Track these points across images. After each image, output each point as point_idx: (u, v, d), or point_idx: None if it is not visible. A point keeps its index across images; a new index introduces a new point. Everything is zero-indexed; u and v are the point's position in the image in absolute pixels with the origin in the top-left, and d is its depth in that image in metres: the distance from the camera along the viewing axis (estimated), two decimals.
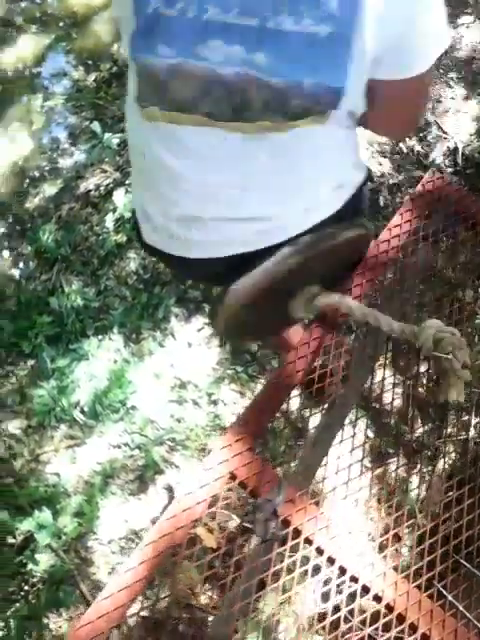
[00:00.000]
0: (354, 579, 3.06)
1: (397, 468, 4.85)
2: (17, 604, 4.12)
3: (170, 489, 4.74)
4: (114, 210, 6.07)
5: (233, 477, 2.80)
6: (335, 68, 1.29)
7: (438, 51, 1.43)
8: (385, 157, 6.74)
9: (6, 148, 6.85)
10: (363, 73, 1.38)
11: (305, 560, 3.31)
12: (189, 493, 2.63)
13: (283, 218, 1.63)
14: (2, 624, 4.00)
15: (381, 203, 6.46)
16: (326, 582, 3.38)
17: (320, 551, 3.06)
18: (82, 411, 5.10)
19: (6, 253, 6.27)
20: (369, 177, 1.95)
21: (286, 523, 2.75)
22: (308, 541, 3.00)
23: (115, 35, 7.83)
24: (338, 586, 3.31)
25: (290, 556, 2.87)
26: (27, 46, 7.75)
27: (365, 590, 3.04)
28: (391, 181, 6.61)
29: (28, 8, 8.22)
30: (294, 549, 2.99)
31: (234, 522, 2.88)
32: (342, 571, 3.09)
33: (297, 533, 2.86)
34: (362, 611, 3.28)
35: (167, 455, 4.91)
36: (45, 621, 4.15)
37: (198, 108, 1.38)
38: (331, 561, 3.10)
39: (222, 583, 2.81)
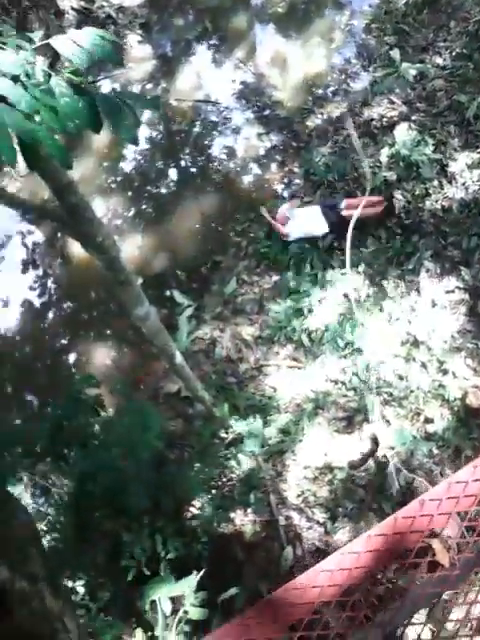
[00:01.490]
0: None
1: None
2: (214, 491, 4.65)
3: (375, 441, 4.85)
4: (392, 145, 6.03)
5: None
6: None
7: None
8: None
9: (301, 63, 7.03)
10: None
11: None
12: (435, 500, 2.62)
13: None
14: (199, 504, 4.55)
15: None
16: None
17: None
18: (309, 337, 5.37)
19: (274, 166, 6.61)
20: None
21: None
22: None
23: None
24: None
25: None
26: None
27: None
28: None
29: None
30: None
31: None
32: None
33: None
34: None
35: (380, 406, 5.00)
36: (232, 515, 4.64)
37: None
38: None
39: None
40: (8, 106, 1.69)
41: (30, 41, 1.89)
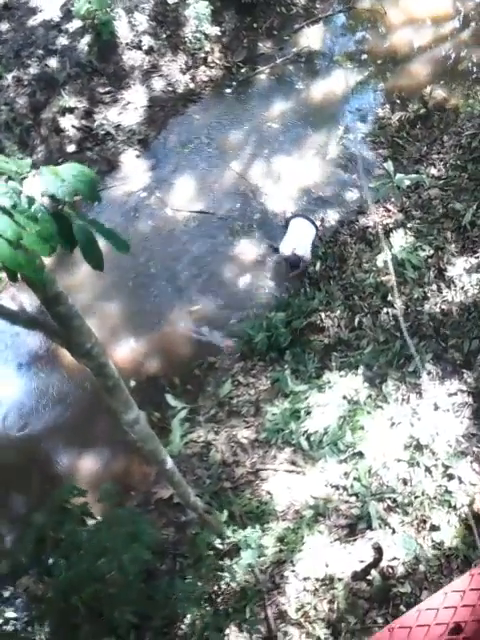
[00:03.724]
0: None
1: None
2: (208, 607, 4.61)
3: (379, 550, 4.87)
4: (389, 250, 6.52)
5: (457, 629, 2.75)
6: None
7: None
8: None
9: (298, 172, 7.68)
10: None
11: None
12: (403, 627, 2.75)
13: None
14: (189, 622, 4.51)
15: None
16: None
17: None
18: (308, 440, 5.50)
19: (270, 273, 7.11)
20: None
21: None
22: None
23: (430, 76, 8.45)
24: None
25: None
26: (339, 80, 8.62)
27: None
28: None
29: (348, 45, 9.24)
30: None
31: None
32: None
33: None
34: None
35: (383, 513, 5.04)
36: (226, 631, 4.58)
37: None
38: None
39: None
40: None
41: (17, 174, 2.16)
